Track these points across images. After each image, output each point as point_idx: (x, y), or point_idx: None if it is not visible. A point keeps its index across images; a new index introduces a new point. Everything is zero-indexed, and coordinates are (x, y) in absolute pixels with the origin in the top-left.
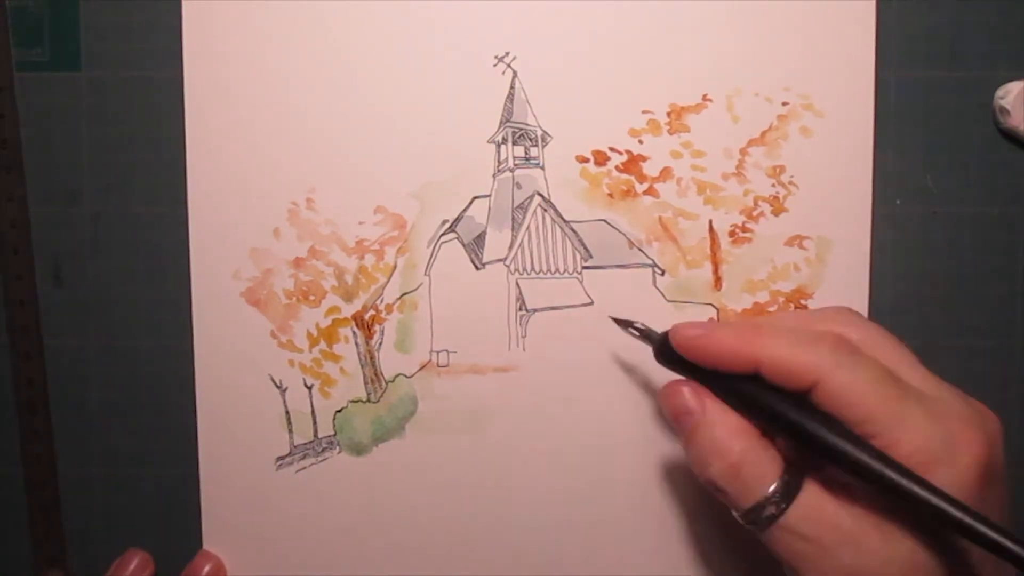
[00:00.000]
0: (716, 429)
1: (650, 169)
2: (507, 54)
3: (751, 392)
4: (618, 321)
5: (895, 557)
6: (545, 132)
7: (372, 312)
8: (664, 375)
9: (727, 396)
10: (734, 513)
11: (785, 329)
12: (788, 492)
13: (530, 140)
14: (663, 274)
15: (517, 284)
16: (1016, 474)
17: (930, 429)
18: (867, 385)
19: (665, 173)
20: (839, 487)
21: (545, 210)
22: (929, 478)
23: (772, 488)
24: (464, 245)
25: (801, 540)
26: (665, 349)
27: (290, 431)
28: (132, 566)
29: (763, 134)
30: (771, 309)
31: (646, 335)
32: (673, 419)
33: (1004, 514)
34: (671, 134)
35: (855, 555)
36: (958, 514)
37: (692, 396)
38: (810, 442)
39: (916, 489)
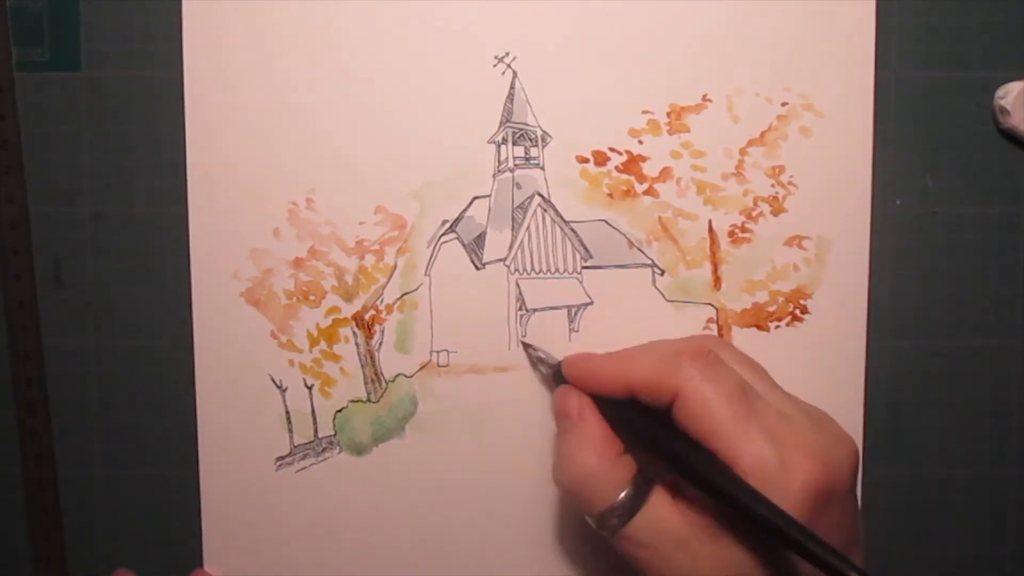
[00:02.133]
0: (581, 437)
1: (650, 169)
2: (507, 54)
3: (623, 412)
4: (525, 345)
5: (725, 565)
6: (545, 132)
7: (372, 312)
8: None
9: (607, 416)
10: (586, 517)
11: (653, 352)
12: (632, 505)
13: (530, 140)
14: (663, 274)
15: (517, 284)
16: (1017, 474)
17: (767, 449)
18: (716, 400)
19: (665, 173)
20: (682, 499)
21: (545, 210)
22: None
23: (618, 500)
24: (464, 245)
25: (641, 547)
26: (559, 378)
27: (290, 431)
28: None
29: (763, 134)
30: (771, 309)
31: (544, 362)
32: (556, 418)
33: (847, 534)
34: (671, 134)
35: (689, 561)
36: (788, 530)
37: (575, 403)
38: (665, 454)
39: (752, 504)
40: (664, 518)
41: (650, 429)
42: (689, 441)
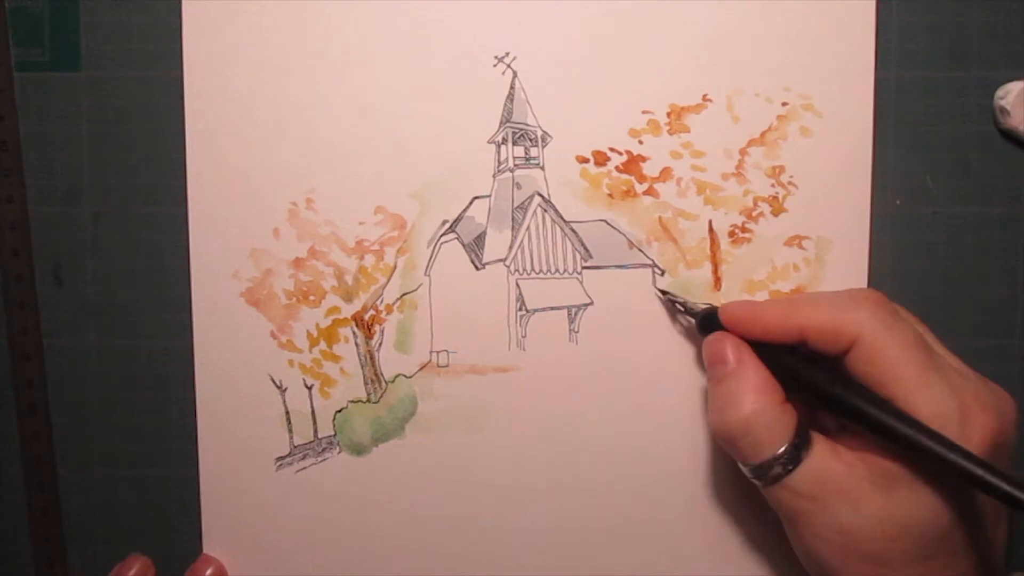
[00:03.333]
0: (742, 382)
1: (650, 169)
2: (507, 54)
3: (788, 360)
4: (664, 293)
5: (894, 517)
6: (545, 132)
7: (372, 312)
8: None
9: (766, 361)
10: (741, 466)
11: (824, 297)
12: (796, 454)
13: (530, 140)
14: (663, 274)
15: (517, 284)
16: (1017, 475)
17: (949, 399)
18: (901, 348)
19: (665, 173)
20: (845, 450)
21: (545, 210)
22: None
23: (782, 449)
24: (464, 245)
25: (803, 499)
26: (707, 323)
27: (290, 431)
28: (133, 571)
29: (763, 134)
30: None
31: (686, 308)
32: (708, 365)
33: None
34: (671, 134)
35: (853, 513)
36: (982, 472)
37: (732, 347)
38: (834, 401)
39: (940, 448)
40: (830, 468)
41: (816, 375)
42: (863, 387)
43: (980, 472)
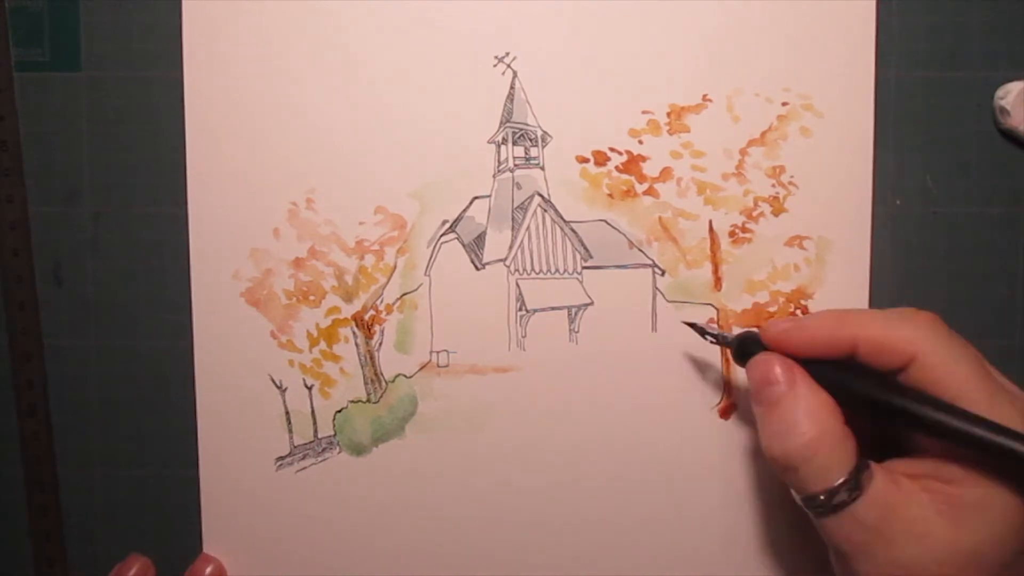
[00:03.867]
0: (801, 403)
1: (650, 169)
2: (507, 54)
3: (842, 376)
4: (692, 326)
5: (962, 548)
6: (545, 132)
7: (372, 312)
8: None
9: (818, 380)
10: (795, 495)
11: (874, 312)
12: (859, 481)
13: (530, 140)
14: (663, 274)
15: (517, 284)
16: None
17: (1017, 420)
18: (964, 364)
19: (665, 173)
20: (904, 478)
21: (545, 210)
22: None
23: (847, 475)
24: (464, 245)
25: (866, 530)
26: (744, 347)
27: (290, 431)
28: (133, 571)
29: (763, 134)
30: (771, 309)
31: (718, 338)
32: (757, 388)
33: None
34: (671, 134)
35: (918, 545)
36: None
37: (783, 367)
38: (904, 414)
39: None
40: (893, 497)
41: (877, 390)
42: (931, 396)
43: None
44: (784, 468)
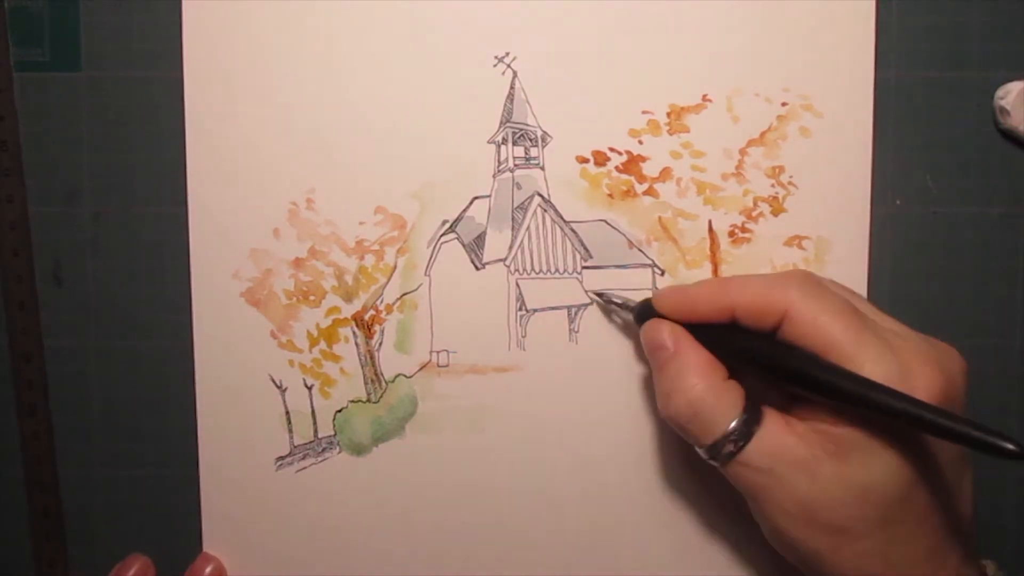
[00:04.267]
0: (683, 364)
1: (650, 169)
2: (507, 54)
3: (727, 337)
4: (598, 293)
5: (851, 483)
6: (545, 132)
7: (372, 312)
8: None
9: (705, 342)
10: (697, 451)
11: (754, 277)
12: (747, 430)
13: (530, 140)
14: (663, 274)
15: (517, 284)
16: (1016, 474)
17: (888, 358)
18: (831, 315)
19: (665, 173)
20: (797, 421)
21: (545, 210)
22: None
23: (732, 426)
24: (464, 245)
25: (759, 473)
26: (643, 314)
27: (290, 431)
28: (132, 571)
29: (763, 134)
30: None
31: (623, 305)
32: (649, 353)
33: (963, 458)
34: (671, 134)
35: (810, 483)
36: (934, 416)
37: (669, 334)
38: (779, 370)
39: (889, 400)
40: (782, 440)
41: (758, 348)
42: (805, 352)
43: (928, 414)
44: (675, 425)
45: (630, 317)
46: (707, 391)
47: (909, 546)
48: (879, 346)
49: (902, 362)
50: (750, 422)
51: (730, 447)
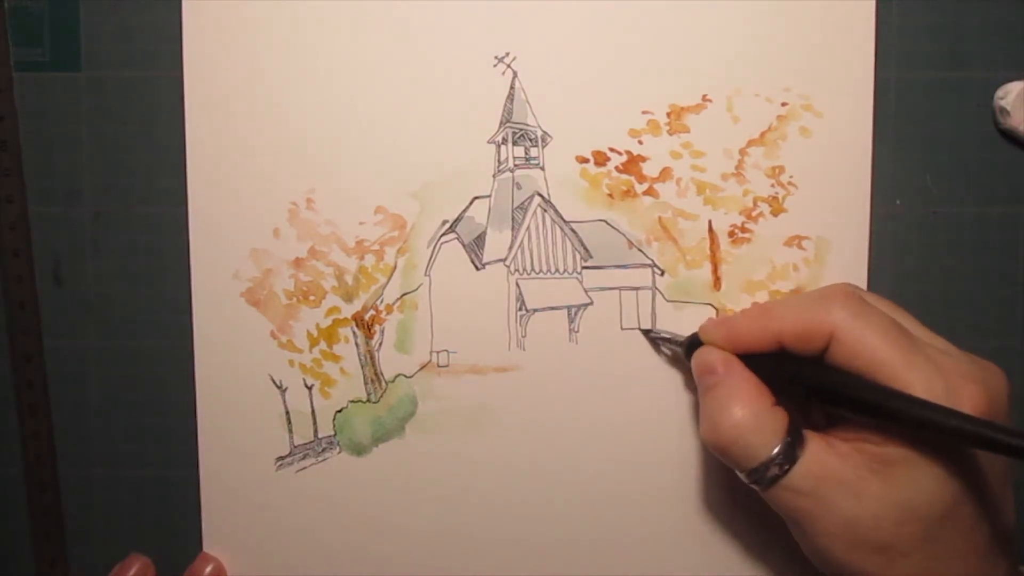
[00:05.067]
0: (730, 389)
1: (650, 169)
2: (507, 54)
3: (771, 364)
4: (647, 333)
5: (897, 500)
6: (545, 132)
7: (372, 312)
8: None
9: (754, 369)
10: (740, 475)
11: (794, 301)
12: (791, 454)
13: (530, 140)
14: (663, 274)
15: (517, 284)
16: (1017, 475)
17: (934, 376)
18: (877, 334)
19: (665, 173)
20: (840, 442)
21: (545, 210)
22: None
23: (776, 451)
24: (464, 245)
25: (803, 496)
26: (693, 347)
27: (290, 431)
28: (133, 571)
29: (763, 134)
30: None
31: (669, 341)
32: (697, 377)
33: (1007, 470)
34: (671, 134)
35: (855, 503)
36: (980, 428)
37: (720, 359)
38: (827, 395)
39: (939, 417)
40: (826, 462)
41: (805, 373)
42: (850, 375)
43: (981, 429)
44: (718, 450)
45: (679, 350)
46: (752, 416)
47: (956, 560)
48: (925, 365)
49: (948, 380)
50: (794, 445)
51: (775, 471)
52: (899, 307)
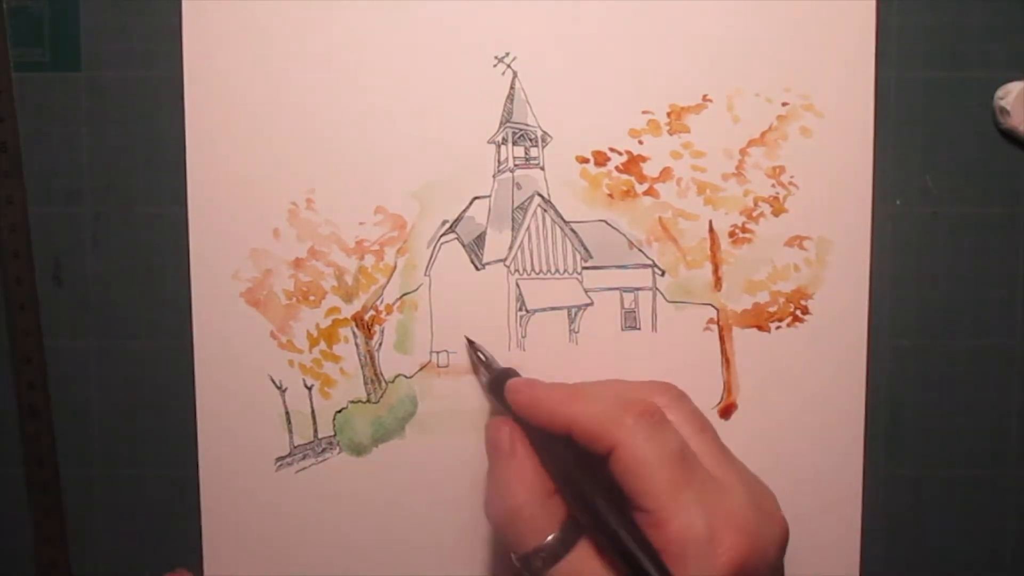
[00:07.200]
0: (512, 472)
1: (650, 169)
2: (507, 54)
3: (557, 451)
4: (469, 342)
5: None
6: (545, 132)
7: (372, 312)
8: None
9: (540, 447)
10: (511, 553)
11: (601, 396)
12: (558, 550)
13: (530, 140)
14: (663, 274)
15: (517, 284)
16: (1017, 475)
17: (698, 519)
18: (654, 462)
19: (665, 173)
20: (608, 552)
21: (545, 210)
22: (682, 565)
23: (545, 542)
24: (464, 245)
25: None
26: (496, 388)
27: (290, 431)
28: None
29: (763, 134)
30: (771, 309)
31: (487, 365)
32: (487, 450)
33: None
34: (671, 134)
35: None
36: None
37: (507, 436)
38: (587, 507)
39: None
40: (588, 569)
41: (578, 477)
42: (613, 500)
43: None
44: (494, 527)
45: (486, 379)
46: (527, 504)
47: None
48: (692, 506)
49: (711, 525)
50: (564, 543)
51: (538, 563)
52: (707, 428)
